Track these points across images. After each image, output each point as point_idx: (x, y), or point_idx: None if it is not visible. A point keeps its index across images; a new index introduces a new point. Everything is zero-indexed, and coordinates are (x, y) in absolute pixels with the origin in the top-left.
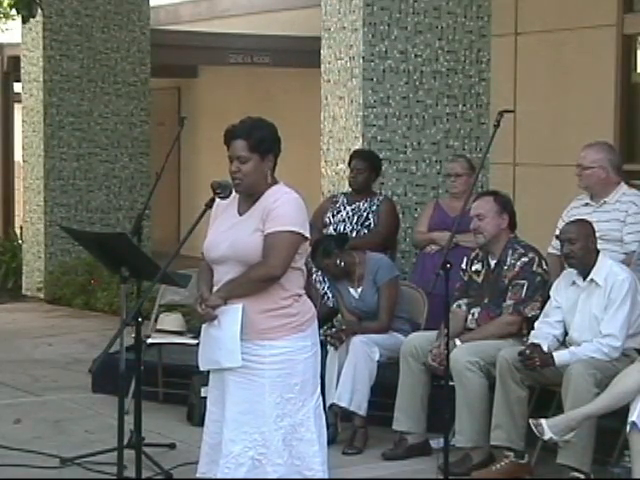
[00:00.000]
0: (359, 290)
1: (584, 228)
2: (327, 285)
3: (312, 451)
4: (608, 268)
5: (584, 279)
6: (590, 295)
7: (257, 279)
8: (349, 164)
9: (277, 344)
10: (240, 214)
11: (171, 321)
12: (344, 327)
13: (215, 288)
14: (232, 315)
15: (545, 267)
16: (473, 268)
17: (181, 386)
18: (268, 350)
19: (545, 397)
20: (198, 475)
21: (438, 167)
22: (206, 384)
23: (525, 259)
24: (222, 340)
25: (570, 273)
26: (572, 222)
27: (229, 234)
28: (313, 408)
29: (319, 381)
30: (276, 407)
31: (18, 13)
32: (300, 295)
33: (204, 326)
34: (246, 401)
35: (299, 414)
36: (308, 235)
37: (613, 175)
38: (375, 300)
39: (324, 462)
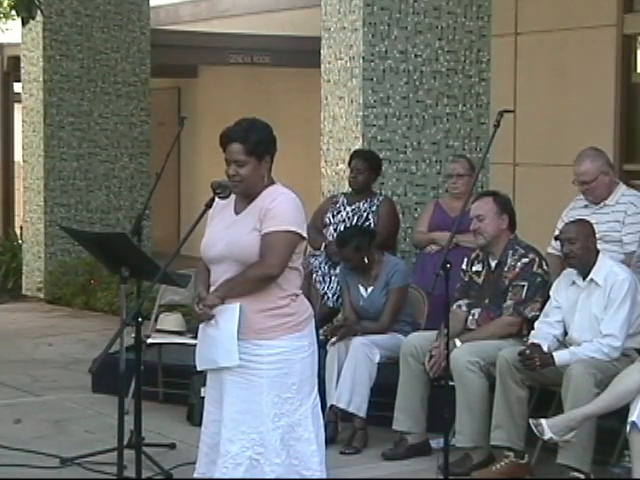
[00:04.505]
0: (369, 290)
1: (584, 228)
2: (327, 285)
3: (310, 450)
4: (608, 268)
5: (584, 279)
6: (590, 295)
7: (254, 278)
8: (349, 164)
9: (274, 344)
10: (237, 213)
11: (171, 321)
12: (342, 324)
13: (212, 288)
14: (229, 314)
15: (545, 268)
16: (473, 269)
17: (181, 386)
18: (265, 350)
19: (545, 397)
20: (196, 475)
21: (438, 167)
22: (205, 384)
23: (525, 260)
24: (219, 339)
25: (570, 273)
26: (572, 222)
27: (226, 233)
28: (310, 407)
29: (316, 380)
30: (274, 407)
31: (18, 15)
32: (297, 295)
33: (201, 326)
34: (244, 401)
35: (297, 414)
36: (305, 235)
37: (612, 174)
38: (382, 302)
39: (322, 461)
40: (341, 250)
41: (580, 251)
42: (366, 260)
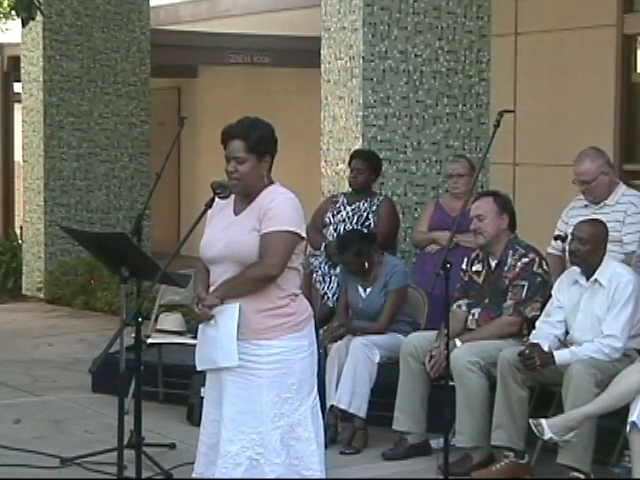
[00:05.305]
0: (368, 290)
1: (599, 230)
2: (327, 285)
3: (310, 450)
4: (612, 269)
5: (587, 279)
6: (593, 295)
7: (254, 279)
8: (349, 164)
9: (274, 344)
10: (236, 214)
11: (171, 321)
12: (338, 324)
13: (212, 288)
14: (229, 315)
15: (546, 267)
16: (473, 269)
17: (181, 386)
18: (265, 350)
19: (545, 397)
20: (194, 475)
21: (438, 167)
22: (205, 384)
23: (526, 260)
24: (219, 340)
25: (572, 272)
26: (588, 221)
27: (225, 234)
28: (310, 407)
29: (316, 380)
30: (273, 407)
31: (18, 16)
32: (297, 295)
33: (201, 326)
34: (243, 401)
35: (296, 414)
36: (305, 235)
37: (612, 174)
38: (381, 303)
39: (322, 461)
40: (341, 255)
41: (587, 253)
42: (366, 265)
